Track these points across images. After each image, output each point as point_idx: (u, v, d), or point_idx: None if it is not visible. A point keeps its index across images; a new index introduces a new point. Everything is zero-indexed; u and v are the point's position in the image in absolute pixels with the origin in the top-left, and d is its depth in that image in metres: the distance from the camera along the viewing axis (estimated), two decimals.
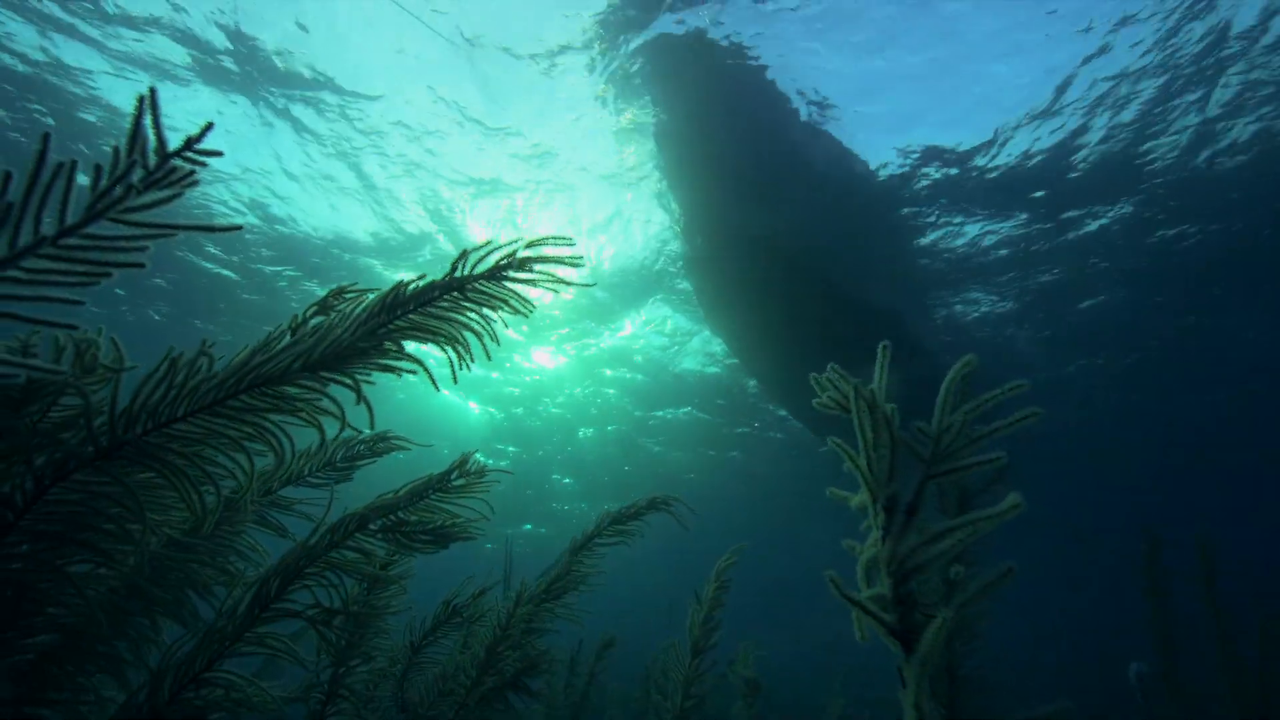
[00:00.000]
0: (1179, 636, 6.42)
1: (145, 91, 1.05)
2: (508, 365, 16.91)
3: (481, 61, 10.04)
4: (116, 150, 1.06)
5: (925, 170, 11.35)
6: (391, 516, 2.15)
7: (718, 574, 3.54)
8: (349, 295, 1.58)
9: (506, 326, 1.67)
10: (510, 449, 21.37)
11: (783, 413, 17.46)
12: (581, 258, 1.60)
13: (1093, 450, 17.46)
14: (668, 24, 9.79)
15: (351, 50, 9.89)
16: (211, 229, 1.09)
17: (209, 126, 1.07)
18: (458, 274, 1.53)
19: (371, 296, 1.54)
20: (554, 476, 23.51)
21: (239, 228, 1.16)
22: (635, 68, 10.31)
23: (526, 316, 1.66)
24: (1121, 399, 16.12)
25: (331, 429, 1.53)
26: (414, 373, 1.54)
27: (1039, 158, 10.97)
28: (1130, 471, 18.79)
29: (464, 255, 1.52)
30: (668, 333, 15.79)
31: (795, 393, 14.78)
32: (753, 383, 16.80)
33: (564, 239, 1.61)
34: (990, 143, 10.80)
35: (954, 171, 11.28)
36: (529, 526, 27.46)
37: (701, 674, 3.43)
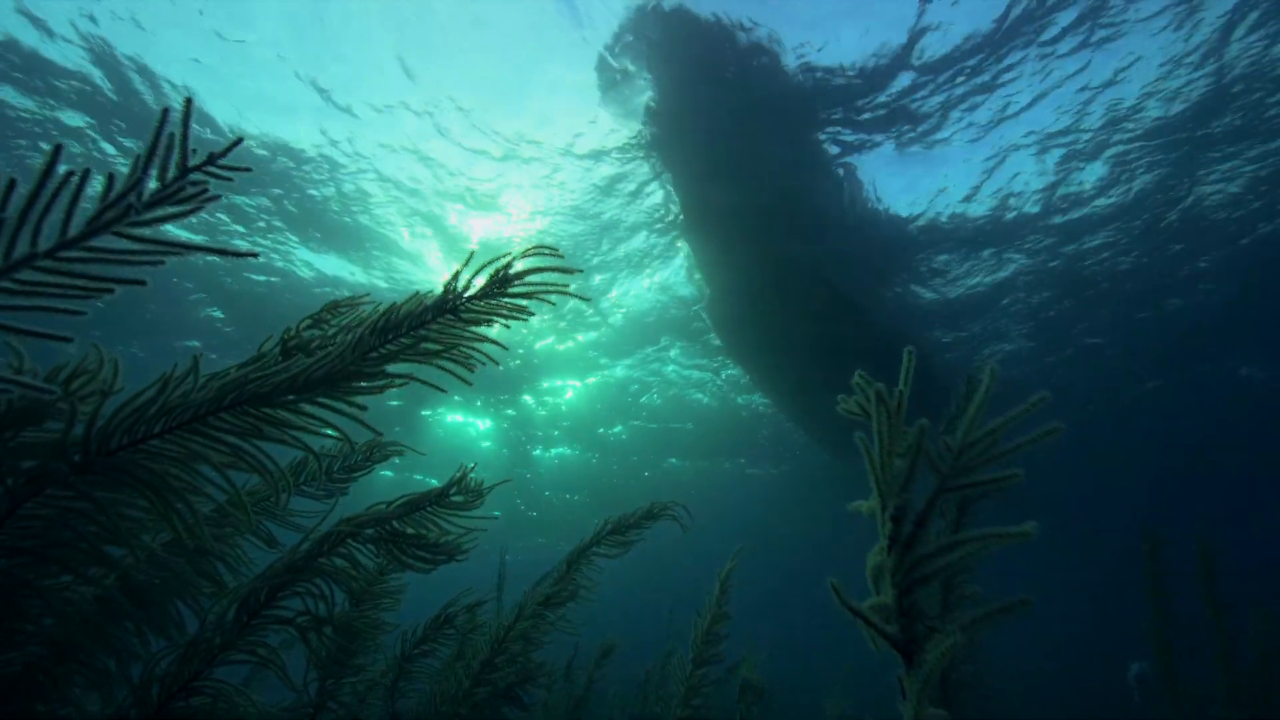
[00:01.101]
0: (1179, 637, 6.38)
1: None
2: (525, 394, 16.97)
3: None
4: (137, 159, 1.01)
5: (927, 207, 11.60)
6: (385, 527, 2.12)
7: (720, 583, 3.49)
8: (343, 309, 1.56)
9: (510, 327, 1.64)
10: (519, 471, 21.44)
11: (774, 414, 17.56)
12: (578, 270, 1.58)
13: (1093, 452, 17.45)
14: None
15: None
16: (225, 253, 1.05)
17: (237, 141, 1.02)
18: (451, 292, 1.50)
19: (366, 309, 1.52)
20: (562, 494, 23.54)
21: (255, 254, 1.13)
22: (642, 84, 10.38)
23: (526, 321, 1.63)
24: (1121, 400, 16.14)
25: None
26: (404, 385, 1.52)
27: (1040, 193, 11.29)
28: (1130, 473, 18.78)
29: (456, 274, 1.49)
30: (677, 360, 16.08)
31: (800, 408, 15.03)
32: (755, 397, 16.95)
33: (551, 248, 1.59)
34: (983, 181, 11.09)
35: (955, 206, 11.52)
36: (542, 540, 27.45)
37: (704, 686, 3.38)
